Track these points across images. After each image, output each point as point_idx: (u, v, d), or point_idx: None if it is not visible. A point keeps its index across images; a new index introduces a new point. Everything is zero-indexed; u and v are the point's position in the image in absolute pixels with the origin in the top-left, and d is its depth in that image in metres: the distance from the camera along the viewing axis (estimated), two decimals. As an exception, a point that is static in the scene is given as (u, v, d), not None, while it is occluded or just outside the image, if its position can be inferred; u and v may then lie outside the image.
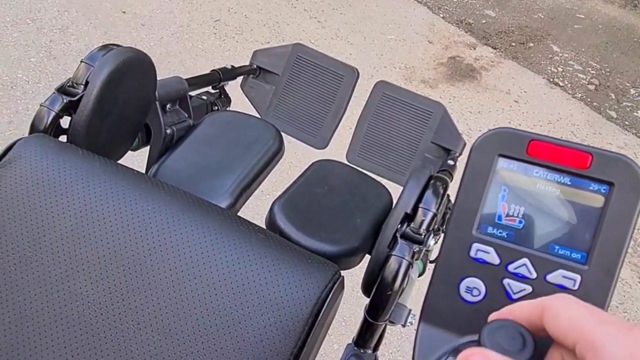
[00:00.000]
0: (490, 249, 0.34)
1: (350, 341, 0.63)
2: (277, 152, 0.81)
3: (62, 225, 0.50)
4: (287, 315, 0.46)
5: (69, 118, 0.63)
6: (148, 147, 0.80)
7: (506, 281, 0.34)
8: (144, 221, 0.50)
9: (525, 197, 0.34)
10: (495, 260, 0.34)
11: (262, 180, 0.78)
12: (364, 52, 2.34)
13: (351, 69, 1.03)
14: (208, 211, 0.53)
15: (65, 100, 0.62)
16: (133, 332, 0.46)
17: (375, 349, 0.63)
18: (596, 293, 0.32)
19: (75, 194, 0.51)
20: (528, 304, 0.28)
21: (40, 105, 0.62)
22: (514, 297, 0.34)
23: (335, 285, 0.49)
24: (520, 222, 0.34)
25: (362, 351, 0.61)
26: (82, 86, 0.62)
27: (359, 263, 0.70)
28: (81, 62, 0.64)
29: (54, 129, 0.62)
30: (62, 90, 0.63)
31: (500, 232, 0.34)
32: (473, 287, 0.34)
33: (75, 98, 0.62)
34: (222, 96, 0.98)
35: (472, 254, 0.34)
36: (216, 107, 0.95)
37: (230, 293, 0.47)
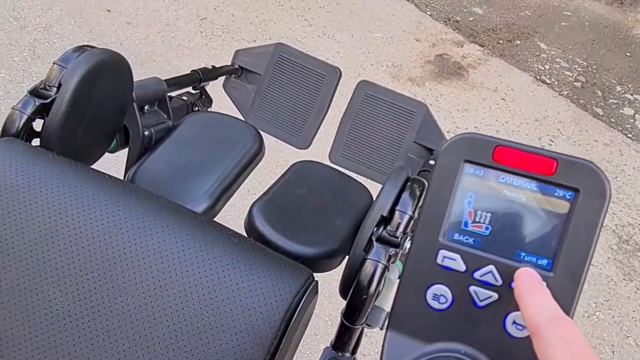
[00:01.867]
0: (457, 256, 0.34)
1: (329, 344, 0.62)
2: (257, 153, 0.80)
3: (30, 232, 0.49)
4: (259, 321, 0.46)
5: (42, 121, 0.63)
6: (127, 149, 0.79)
7: (472, 288, 0.33)
8: (114, 226, 0.49)
9: (492, 203, 0.34)
10: (462, 267, 0.34)
11: (242, 181, 0.78)
12: (351, 50, 2.33)
13: (333, 68, 1.02)
14: (181, 216, 0.52)
15: (37, 103, 0.61)
16: (103, 341, 0.46)
17: (354, 352, 0.63)
18: (562, 299, 0.31)
19: (44, 199, 0.50)
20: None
21: (12, 108, 0.61)
22: (480, 304, 0.33)
23: (308, 290, 0.49)
24: (486, 228, 0.34)
25: (340, 354, 0.61)
26: (55, 88, 0.62)
27: (339, 265, 0.70)
28: (54, 63, 0.63)
29: (26, 133, 0.61)
30: (34, 92, 0.62)
31: (466, 239, 0.34)
32: (440, 295, 0.34)
33: (48, 100, 0.61)
34: (203, 97, 0.97)
35: (438, 260, 0.34)
36: (197, 108, 0.94)
37: (201, 299, 0.46)
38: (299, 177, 0.80)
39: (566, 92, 2.44)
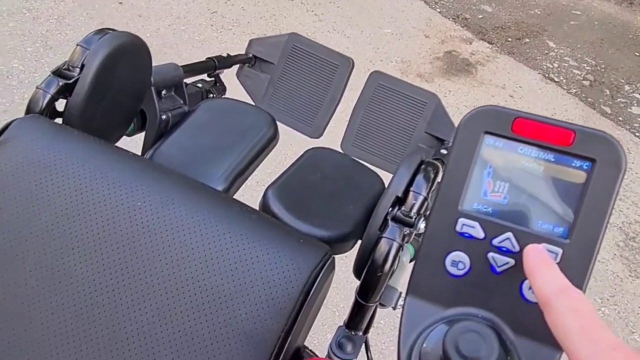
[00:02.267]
0: (476, 224, 0.35)
1: (342, 324, 0.64)
2: (272, 139, 0.81)
3: (56, 204, 0.50)
4: (278, 293, 0.47)
5: (65, 101, 0.64)
6: (143, 133, 0.80)
7: (490, 255, 0.34)
8: (138, 200, 0.50)
9: (510, 174, 0.35)
10: (480, 234, 0.35)
11: (256, 166, 0.79)
12: (361, 45, 2.34)
13: (346, 58, 1.03)
14: (202, 192, 0.53)
15: (60, 83, 0.62)
16: (126, 309, 0.47)
17: (366, 331, 0.64)
18: (577, 265, 0.33)
19: (69, 173, 0.52)
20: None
21: (36, 88, 0.62)
22: (498, 270, 0.34)
23: (326, 265, 0.50)
24: (505, 197, 0.35)
25: (352, 333, 0.62)
26: (78, 69, 0.63)
27: (350, 248, 0.71)
28: (77, 45, 0.65)
29: (50, 112, 0.62)
30: (57, 73, 0.63)
31: (485, 208, 0.35)
32: (458, 261, 0.35)
33: (71, 81, 0.62)
34: (217, 84, 0.98)
35: (457, 228, 0.35)
36: (211, 95, 0.95)
37: (222, 271, 0.47)
38: (312, 163, 0.81)
39: (574, 90, 2.45)
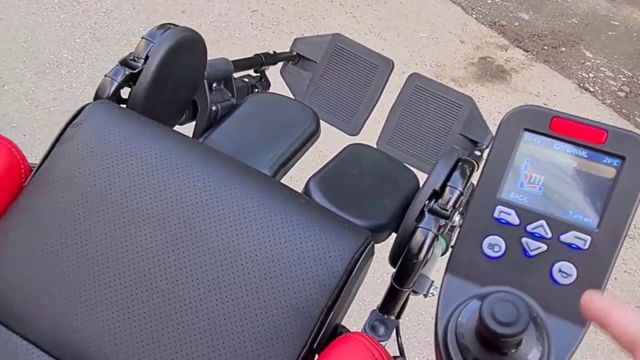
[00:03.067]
0: (512, 211, 0.39)
1: (375, 308, 0.68)
2: (314, 133, 0.86)
3: (124, 181, 0.55)
4: (324, 271, 0.51)
5: (129, 89, 0.70)
6: (193, 123, 0.86)
7: (524, 240, 0.38)
8: (198, 181, 0.55)
9: (546, 167, 0.39)
10: (516, 221, 0.38)
11: (298, 158, 0.84)
12: (396, 48, 2.38)
13: (386, 60, 1.07)
14: (254, 176, 0.58)
15: (126, 72, 0.68)
16: (185, 280, 0.52)
17: (398, 316, 0.68)
18: (604, 252, 0.36)
19: (137, 154, 0.57)
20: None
21: (105, 76, 0.68)
22: (530, 254, 0.38)
23: (367, 249, 0.54)
24: (540, 189, 0.39)
25: (385, 317, 0.66)
26: (142, 60, 0.68)
27: (385, 239, 0.75)
28: (142, 38, 0.70)
29: (115, 99, 0.68)
30: (124, 63, 0.69)
31: (521, 197, 0.39)
32: (494, 244, 0.39)
33: (136, 71, 0.68)
34: (263, 79, 1.03)
35: (495, 214, 0.39)
36: (256, 90, 1.00)
37: (273, 248, 0.52)
38: (351, 158, 0.85)
39: (609, 101, 2.44)
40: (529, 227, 0.38)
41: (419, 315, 1.56)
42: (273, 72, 1.07)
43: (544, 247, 0.38)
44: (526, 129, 0.39)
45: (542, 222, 0.38)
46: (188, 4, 2.31)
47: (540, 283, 0.38)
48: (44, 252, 0.53)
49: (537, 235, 0.38)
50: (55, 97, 1.84)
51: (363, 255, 0.53)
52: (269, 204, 0.54)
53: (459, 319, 0.38)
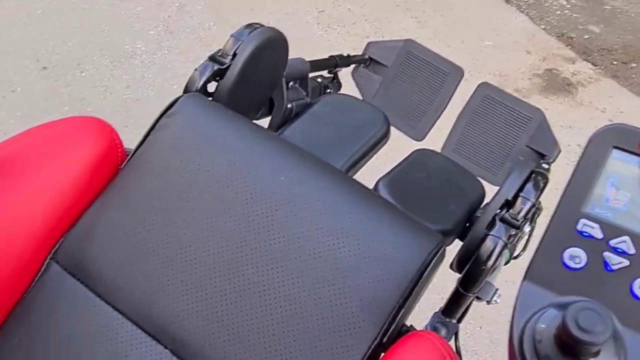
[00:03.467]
0: (596, 225, 0.40)
1: (438, 310, 0.69)
2: (384, 136, 0.88)
3: (214, 170, 0.59)
4: (397, 270, 0.53)
5: (216, 84, 0.74)
6: (267, 118, 0.89)
7: (606, 254, 0.39)
8: (281, 175, 0.58)
9: (632, 185, 0.40)
10: (599, 235, 0.40)
11: (368, 159, 0.86)
12: (461, 55, 2.37)
13: (457, 67, 1.08)
14: (333, 172, 0.61)
15: (215, 68, 0.72)
16: (266, 267, 0.55)
17: (459, 320, 0.69)
18: None
19: (226, 145, 0.61)
20: None
21: (195, 70, 0.72)
22: (612, 268, 0.39)
23: (439, 253, 0.56)
24: (624, 205, 0.40)
25: (447, 320, 0.67)
26: (230, 57, 0.72)
27: (449, 245, 0.77)
28: (231, 36, 0.74)
29: (203, 92, 0.72)
30: (213, 58, 0.73)
31: (605, 212, 0.40)
32: (576, 256, 0.40)
33: (224, 66, 0.72)
34: (335, 80, 1.06)
35: (578, 227, 0.40)
36: (329, 90, 1.03)
37: (351, 243, 0.54)
38: (419, 162, 0.87)
39: (680, 122, 2.35)
40: (612, 242, 0.39)
41: (467, 324, 1.56)
42: (344, 74, 1.09)
43: (626, 262, 0.39)
44: (615, 147, 0.40)
45: (626, 237, 0.39)
46: (257, 2, 2.37)
47: (619, 297, 0.38)
48: (137, 231, 0.58)
49: (619, 250, 0.39)
50: (129, 85, 1.93)
51: (435, 258, 0.55)
52: (347, 200, 0.57)
53: (537, 325, 0.39)
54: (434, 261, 0.55)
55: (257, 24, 0.77)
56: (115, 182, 0.61)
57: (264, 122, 0.89)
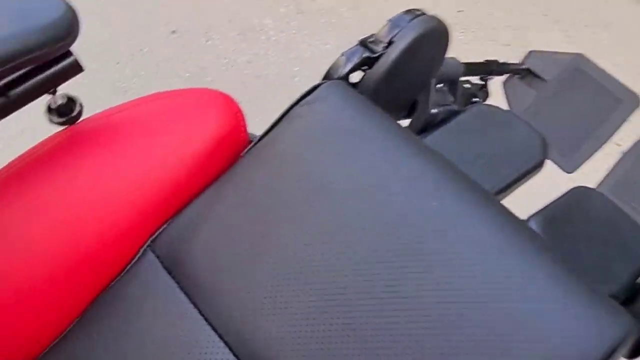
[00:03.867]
0: None
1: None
2: (538, 166, 0.74)
3: (352, 177, 0.49)
4: (572, 355, 0.40)
5: (362, 73, 0.63)
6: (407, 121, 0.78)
7: None
8: (435, 197, 0.47)
9: None
10: None
11: (514, 189, 0.73)
12: (625, 77, 2.12)
13: (634, 96, 0.92)
14: (488, 201, 0.48)
15: (364, 55, 0.61)
16: (396, 276, 0.44)
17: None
18: None
19: (370, 148, 0.50)
20: None
21: (341, 54, 0.62)
22: None
23: (625, 340, 0.43)
24: None
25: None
26: (384, 45, 0.62)
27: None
28: (388, 21, 0.63)
29: (346, 80, 0.62)
30: (363, 44, 0.62)
31: None
32: None
33: (375, 54, 0.61)
34: (483, 88, 0.93)
35: None
36: (475, 99, 0.90)
37: (508, 300, 0.42)
38: (579, 202, 0.73)
39: None
40: None
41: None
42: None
43: None
44: None
45: None
46: (394, -7, 2.26)
47: None
48: (249, 234, 0.48)
49: None
50: (250, 60, 1.88)
51: (619, 347, 0.42)
52: (508, 242, 0.45)
53: None
54: (617, 350, 0.42)
55: (419, 10, 0.66)
56: (235, 170, 0.52)
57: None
